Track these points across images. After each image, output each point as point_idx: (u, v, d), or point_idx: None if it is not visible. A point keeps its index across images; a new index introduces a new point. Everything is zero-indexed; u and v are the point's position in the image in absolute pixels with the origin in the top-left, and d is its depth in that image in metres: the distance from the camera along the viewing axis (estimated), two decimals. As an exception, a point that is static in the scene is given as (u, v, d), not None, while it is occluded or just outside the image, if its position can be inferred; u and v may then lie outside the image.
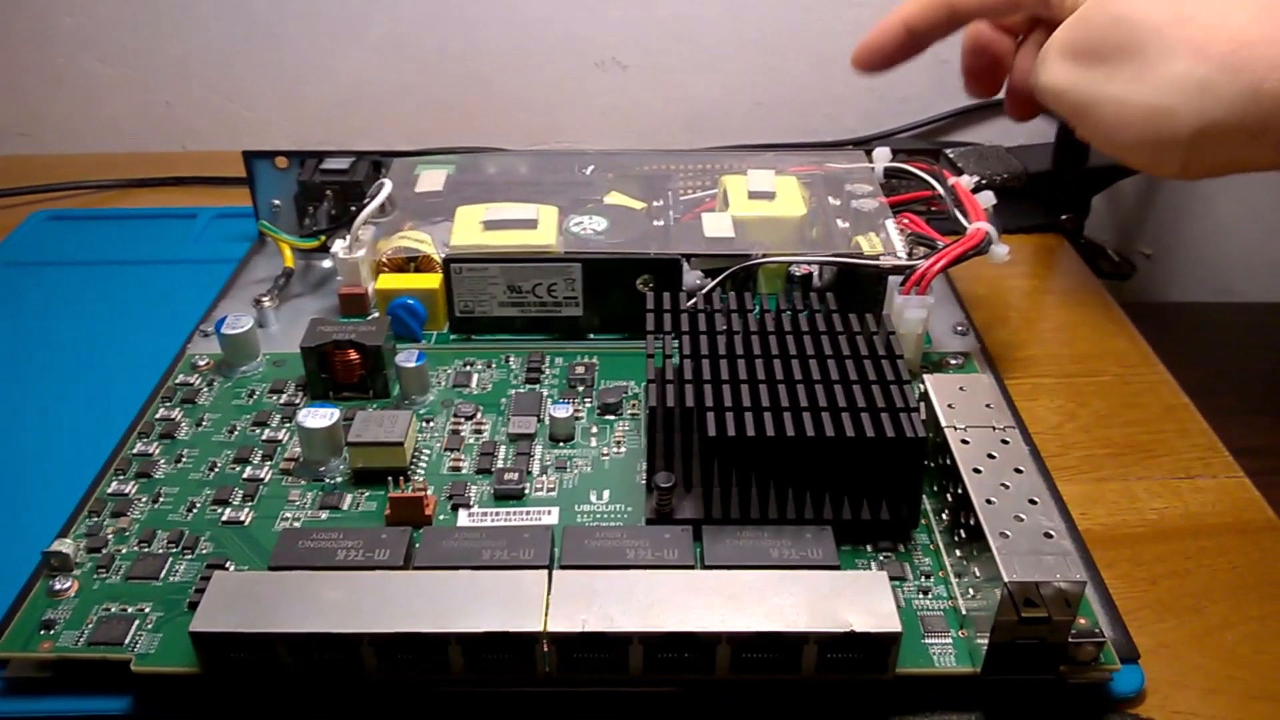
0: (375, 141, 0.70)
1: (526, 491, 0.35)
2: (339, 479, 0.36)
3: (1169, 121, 0.38)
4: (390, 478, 0.35)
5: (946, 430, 0.32)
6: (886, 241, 0.42)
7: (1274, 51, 0.34)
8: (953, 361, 0.42)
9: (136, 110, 0.70)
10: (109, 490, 0.35)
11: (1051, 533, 0.28)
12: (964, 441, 0.32)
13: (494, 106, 0.70)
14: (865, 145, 0.51)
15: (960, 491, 0.31)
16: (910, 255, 0.41)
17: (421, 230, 0.45)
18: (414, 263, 0.44)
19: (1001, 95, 0.44)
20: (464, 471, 0.36)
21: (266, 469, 0.36)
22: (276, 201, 0.50)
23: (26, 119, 0.70)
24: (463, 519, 0.34)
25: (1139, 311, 0.49)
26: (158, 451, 0.37)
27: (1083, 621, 0.29)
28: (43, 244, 0.55)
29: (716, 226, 0.43)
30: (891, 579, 0.30)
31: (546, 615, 0.28)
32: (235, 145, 0.66)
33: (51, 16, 0.66)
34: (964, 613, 0.30)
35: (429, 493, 0.34)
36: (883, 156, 0.47)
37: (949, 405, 0.33)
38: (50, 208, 0.59)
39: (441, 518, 0.34)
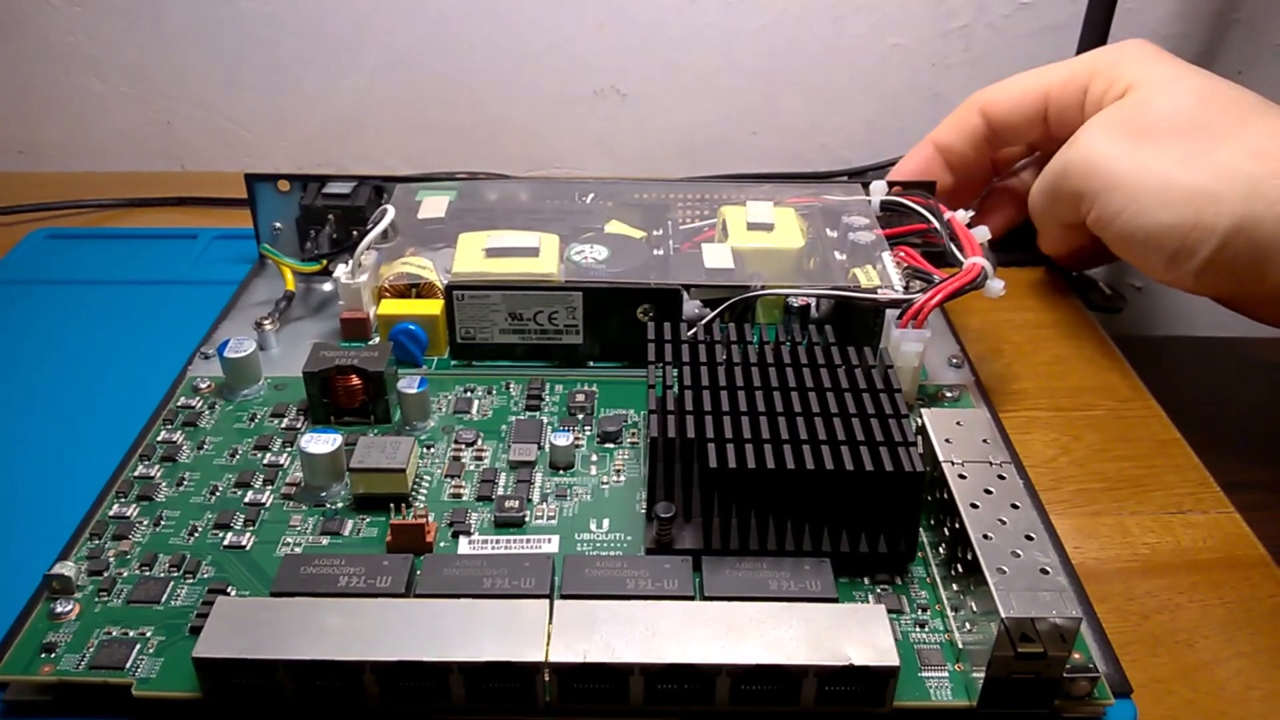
0: (375, 165, 0.71)
1: (527, 519, 0.35)
2: (340, 504, 0.36)
3: (1211, 207, 0.39)
4: (391, 504, 0.35)
5: (944, 465, 0.33)
6: (883, 274, 0.42)
7: None
8: (948, 394, 0.42)
9: (136, 129, 0.70)
10: (110, 513, 0.35)
11: (1048, 569, 0.29)
12: (961, 476, 0.32)
13: (493, 132, 0.71)
14: (861, 176, 0.52)
15: (957, 526, 0.31)
16: (907, 289, 0.41)
17: (423, 256, 0.45)
18: (416, 289, 0.44)
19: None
20: (465, 498, 0.36)
21: (268, 493, 0.36)
22: (278, 224, 0.50)
23: (26, 137, 0.70)
24: (463, 546, 0.34)
25: (1131, 345, 0.50)
26: (159, 474, 0.37)
27: (1077, 656, 0.29)
28: (41, 262, 0.55)
29: (716, 257, 0.44)
30: (889, 612, 0.30)
31: (548, 645, 0.28)
32: (234, 166, 0.67)
33: (52, 35, 0.67)
34: (960, 646, 0.30)
35: (430, 519, 0.34)
36: (879, 190, 0.48)
37: (946, 440, 0.34)
38: (49, 226, 0.59)
39: (442, 545, 0.34)
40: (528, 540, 0.34)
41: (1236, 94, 0.42)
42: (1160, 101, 0.42)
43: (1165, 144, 0.41)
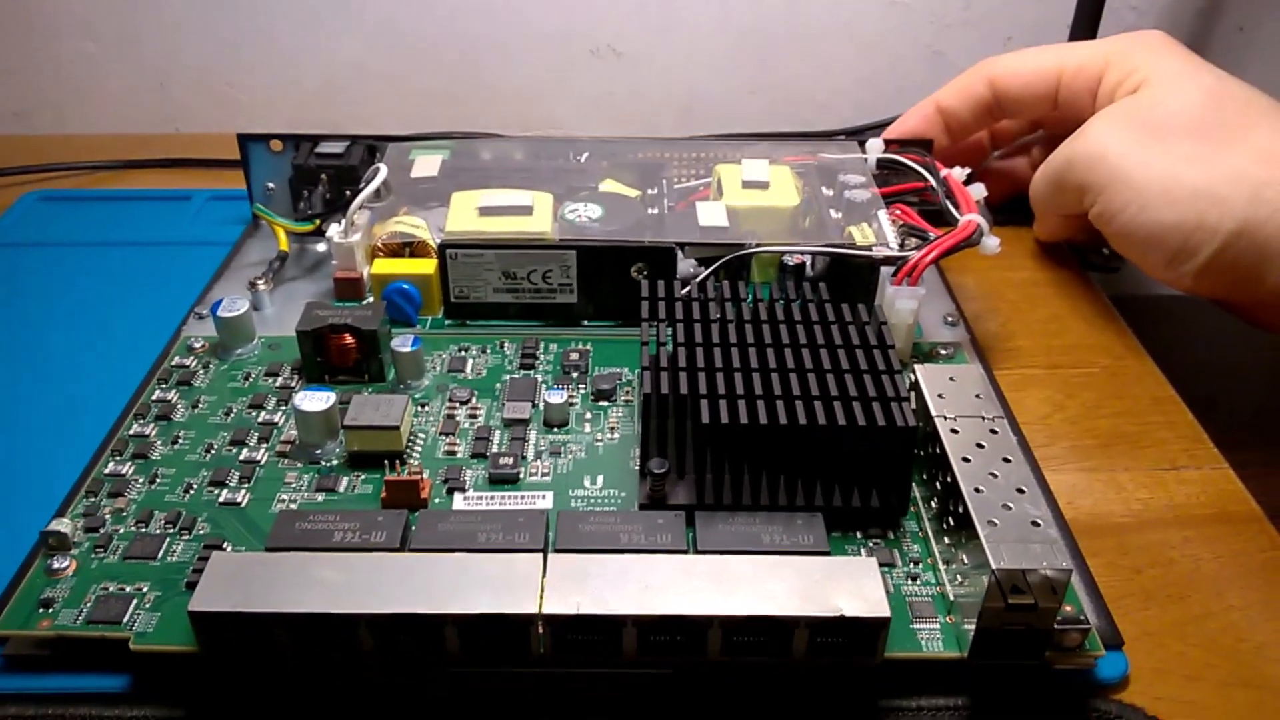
0: (369, 126, 0.70)
1: (521, 476, 0.35)
2: (335, 462, 0.36)
3: (1215, 209, 0.39)
4: (386, 461, 0.35)
5: (936, 420, 0.33)
6: (879, 232, 0.42)
7: None
8: (943, 352, 0.42)
9: (130, 91, 0.70)
10: (106, 471, 0.35)
11: (1039, 521, 0.29)
12: (953, 431, 0.32)
13: (488, 92, 0.70)
14: (859, 135, 0.52)
15: (949, 480, 0.31)
16: (902, 246, 0.41)
17: (417, 215, 0.45)
18: (409, 248, 0.44)
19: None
20: (459, 456, 0.36)
21: (263, 451, 0.36)
22: (271, 184, 0.50)
23: (19, 99, 0.70)
24: (458, 502, 0.34)
25: (1127, 304, 0.50)
26: (154, 433, 0.37)
27: (1068, 609, 0.29)
28: (35, 225, 0.55)
29: (711, 215, 0.44)
30: (881, 565, 0.30)
31: (541, 598, 0.28)
32: (228, 127, 0.66)
33: (45, -4, 0.66)
34: (952, 599, 0.31)
35: (424, 476, 0.34)
36: (875, 148, 0.47)
37: (939, 395, 0.34)
38: (43, 189, 0.59)
39: (437, 501, 0.34)
40: (522, 496, 0.34)
41: (1249, 95, 0.42)
42: (1172, 99, 0.42)
43: (1173, 142, 0.41)
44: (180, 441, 0.37)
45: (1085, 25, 0.61)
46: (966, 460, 0.31)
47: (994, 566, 0.27)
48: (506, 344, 0.42)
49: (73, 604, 0.30)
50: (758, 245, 0.42)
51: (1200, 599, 0.34)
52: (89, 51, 0.68)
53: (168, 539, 0.33)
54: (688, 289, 0.39)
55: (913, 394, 0.35)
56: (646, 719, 0.30)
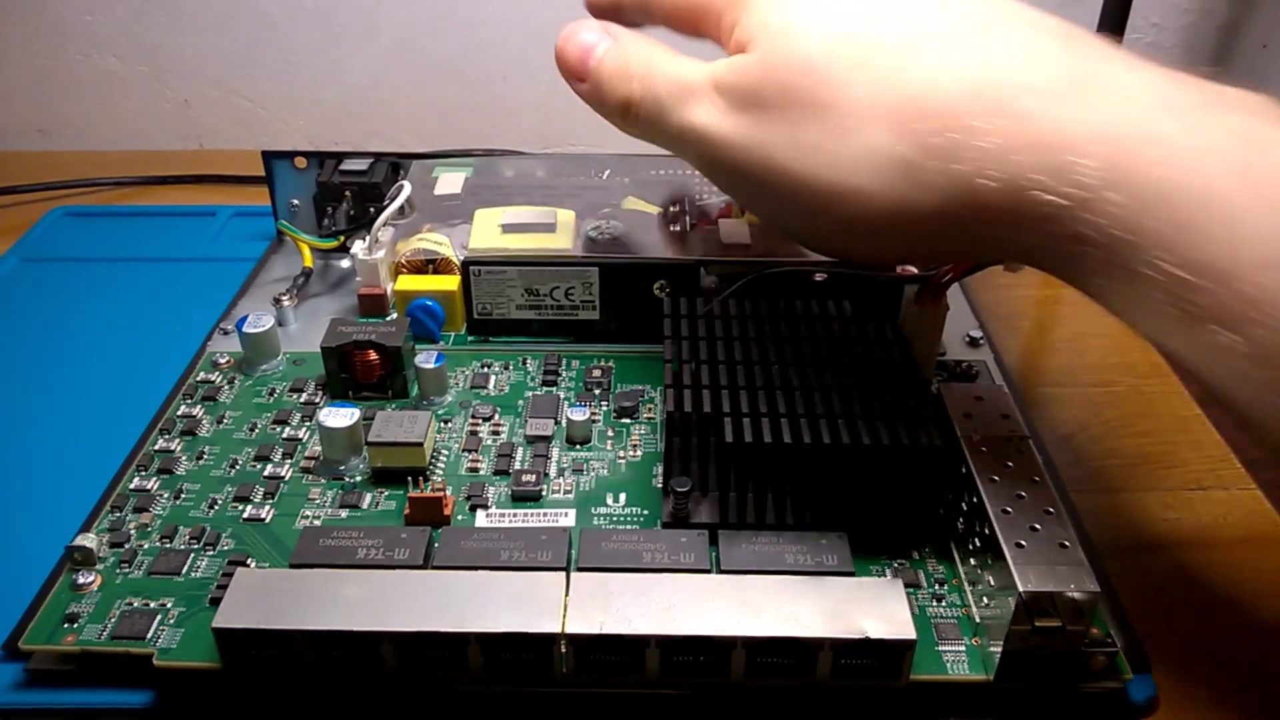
0: (390, 142, 0.71)
1: (544, 493, 0.35)
2: (359, 478, 0.36)
3: (858, 205, 0.29)
4: (409, 478, 0.35)
5: (962, 440, 0.33)
6: (902, 250, 0.42)
7: (991, 128, 0.26)
8: (967, 370, 0.42)
9: (154, 108, 0.70)
10: (131, 486, 0.35)
11: (1066, 543, 0.29)
12: (980, 451, 0.32)
13: (508, 109, 0.71)
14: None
15: (975, 501, 0.31)
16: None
17: (440, 232, 0.45)
18: (433, 264, 0.44)
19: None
20: (482, 472, 0.36)
21: (287, 467, 0.36)
22: (295, 201, 0.50)
23: (45, 116, 0.71)
24: (481, 519, 0.34)
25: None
26: (179, 448, 0.37)
27: (1095, 631, 0.29)
28: (61, 240, 0.55)
29: (734, 233, 0.44)
30: (906, 586, 0.30)
31: (564, 616, 0.28)
32: (251, 144, 0.67)
33: (71, 15, 0.67)
34: (978, 621, 0.30)
35: (448, 493, 0.34)
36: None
37: (965, 415, 0.34)
38: (68, 204, 0.59)
39: (460, 518, 0.34)
40: (544, 514, 0.34)
41: None
42: (791, 50, 0.31)
43: (794, 121, 0.30)
44: (205, 457, 0.37)
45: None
46: (993, 481, 0.31)
47: (1021, 589, 0.27)
48: (529, 361, 0.42)
49: (97, 619, 0.30)
50: (781, 263, 0.42)
51: (1229, 620, 0.33)
52: (113, 68, 0.69)
53: (192, 555, 0.33)
54: (710, 307, 0.39)
55: (938, 413, 0.35)
56: (669, 739, 0.30)
